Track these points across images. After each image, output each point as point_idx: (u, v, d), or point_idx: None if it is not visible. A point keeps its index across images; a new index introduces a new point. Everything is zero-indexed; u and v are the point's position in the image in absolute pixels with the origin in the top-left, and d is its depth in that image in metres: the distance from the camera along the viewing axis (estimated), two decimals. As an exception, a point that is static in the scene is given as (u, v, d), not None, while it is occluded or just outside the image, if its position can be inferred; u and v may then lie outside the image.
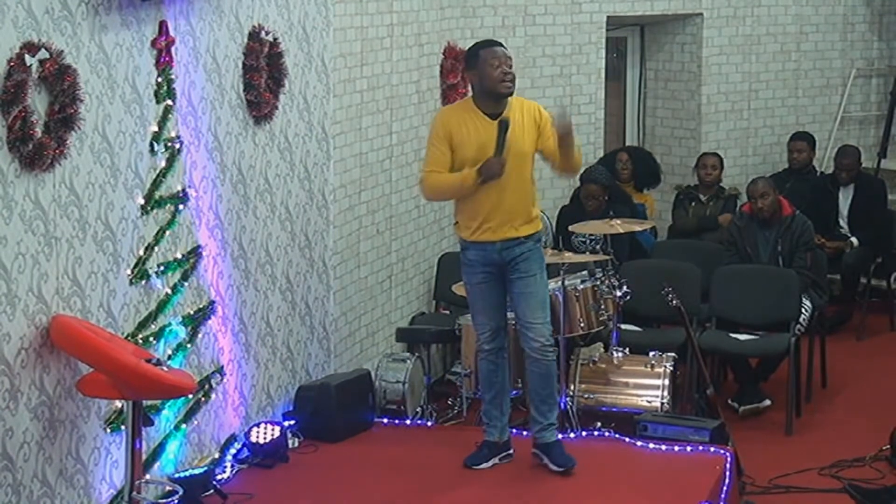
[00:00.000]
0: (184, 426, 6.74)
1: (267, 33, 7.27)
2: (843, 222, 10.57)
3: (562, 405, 7.73)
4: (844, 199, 10.59)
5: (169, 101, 6.44)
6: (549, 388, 7.04)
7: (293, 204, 7.74)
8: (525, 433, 7.46)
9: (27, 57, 5.34)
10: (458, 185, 6.84)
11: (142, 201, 6.29)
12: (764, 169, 11.22)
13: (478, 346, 7.20)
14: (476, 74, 6.88)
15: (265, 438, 7.22)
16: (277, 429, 7.28)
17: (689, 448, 7.30)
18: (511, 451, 7.18)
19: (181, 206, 6.61)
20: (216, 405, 7.07)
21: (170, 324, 6.56)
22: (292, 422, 7.61)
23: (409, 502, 6.77)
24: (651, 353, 8.18)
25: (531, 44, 10.33)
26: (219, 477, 6.89)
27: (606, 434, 7.64)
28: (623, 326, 8.59)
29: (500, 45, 6.95)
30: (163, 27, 6.34)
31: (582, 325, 8.01)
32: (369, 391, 7.89)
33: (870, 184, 10.70)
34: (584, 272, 8.24)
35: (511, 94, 6.83)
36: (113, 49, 5.99)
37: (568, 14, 10.55)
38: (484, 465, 7.10)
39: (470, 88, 7.05)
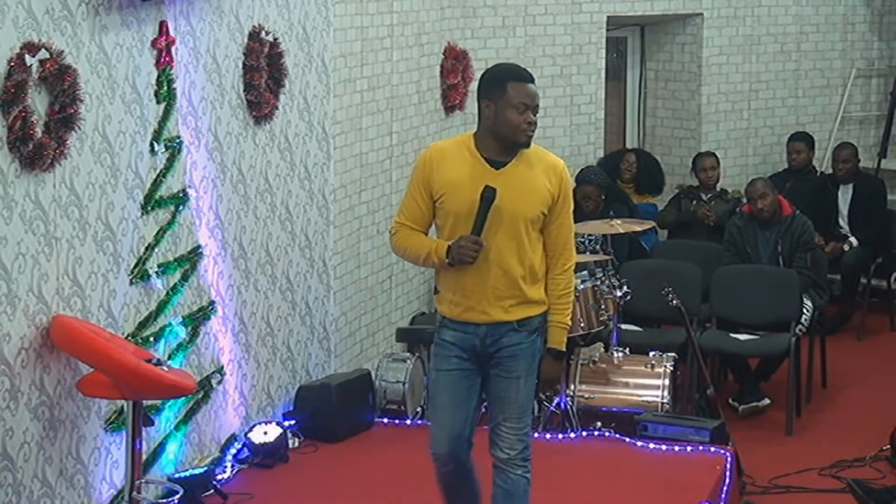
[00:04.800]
0: (184, 426, 6.74)
1: (267, 33, 7.27)
2: (842, 222, 10.56)
3: (562, 405, 7.74)
4: (844, 199, 10.58)
5: (169, 101, 6.44)
6: None
7: (293, 204, 7.73)
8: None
9: (27, 57, 5.34)
10: (423, 259, 5.46)
11: (142, 201, 6.29)
12: (764, 169, 11.22)
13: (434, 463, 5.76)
14: (492, 107, 5.33)
15: (265, 439, 7.22)
16: (278, 429, 7.28)
17: (689, 448, 7.30)
18: None
19: (181, 207, 6.61)
20: (216, 405, 7.07)
21: (170, 324, 6.56)
22: (292, 422, 7.61)
23: (408, 502, 6.77)
24: (651, 353, 8.18)
25: (531, 44, 10.33)
26: (219, 477, 6.89)
27: (606, 434, 7.63)
28: (623, 326, 8.58)
29: (532, 80, 5.39)
30: (163, 27, 6.34)
31: (582, 325, 8.01)
32: (369, 391, 7.89)
33: (869, 184, 10.69)
34: (585, 272, 8.24)
35: (528, 145, 5.39)
36: (113, 49, 5.99)
37: (568, 14, 10.55)
38: None
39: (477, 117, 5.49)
